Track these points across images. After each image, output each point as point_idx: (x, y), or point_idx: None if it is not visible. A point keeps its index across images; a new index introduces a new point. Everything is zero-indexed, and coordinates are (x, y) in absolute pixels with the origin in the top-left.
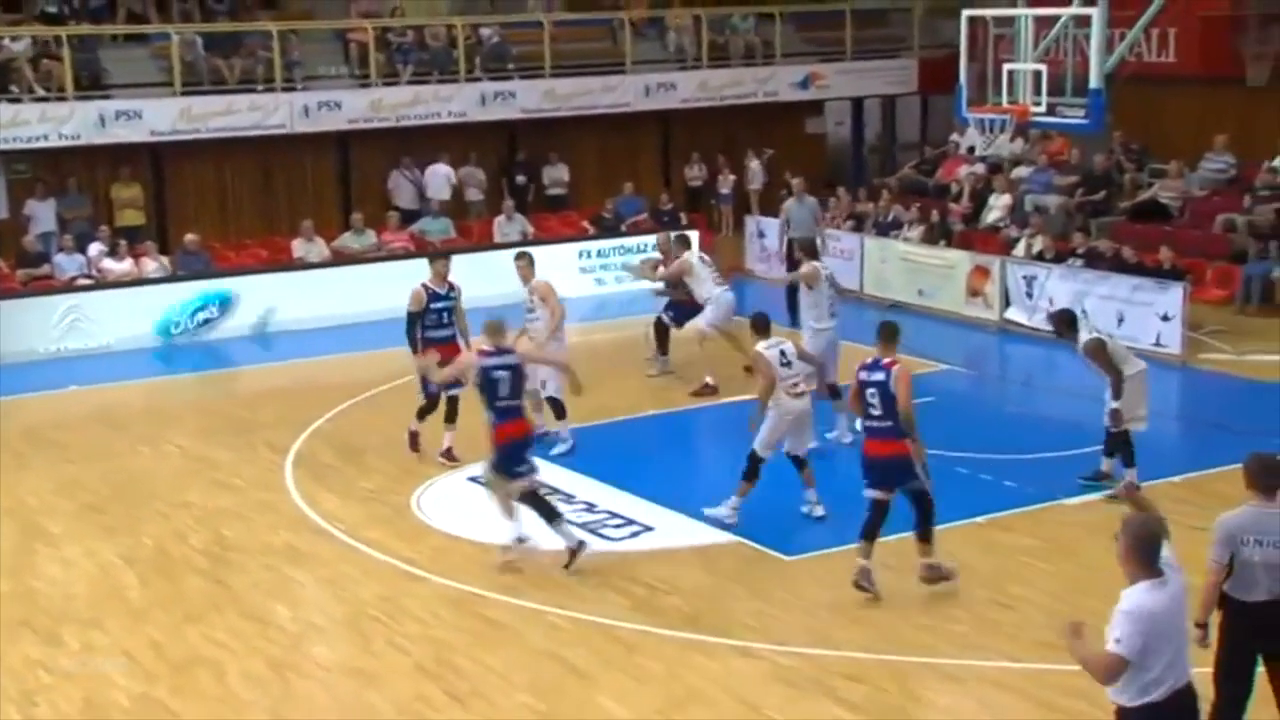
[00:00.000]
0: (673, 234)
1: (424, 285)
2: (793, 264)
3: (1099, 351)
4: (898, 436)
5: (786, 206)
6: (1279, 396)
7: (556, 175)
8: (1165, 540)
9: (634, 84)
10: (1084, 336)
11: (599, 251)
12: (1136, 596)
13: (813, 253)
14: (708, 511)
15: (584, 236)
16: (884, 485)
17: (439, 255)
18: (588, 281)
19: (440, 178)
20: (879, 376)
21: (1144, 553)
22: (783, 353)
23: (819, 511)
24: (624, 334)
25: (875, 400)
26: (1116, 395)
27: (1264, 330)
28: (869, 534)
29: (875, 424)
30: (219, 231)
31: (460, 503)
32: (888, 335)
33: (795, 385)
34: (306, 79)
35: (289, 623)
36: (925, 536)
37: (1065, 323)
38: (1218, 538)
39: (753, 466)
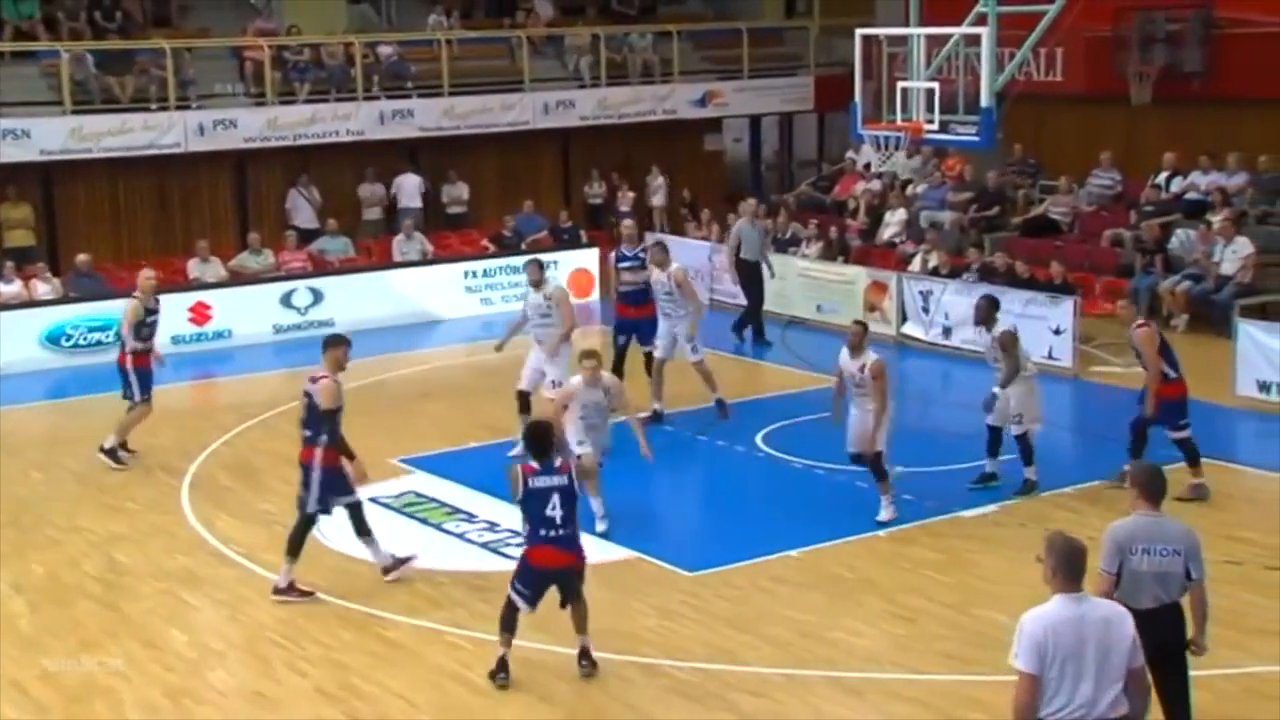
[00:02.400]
0: (654, 240)
1: None
2: (745, 284)
3: (1011, 343)
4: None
5: (739, 228)
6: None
7: (456, 193)
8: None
9: (533, 102)
10: (1000, 327)
11: (485, 271)
12: (1039, 608)
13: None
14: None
15: (483, 255)
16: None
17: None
18: (474, 301)
19: (411, 187)
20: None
21: (1068, 568)
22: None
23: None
24: (520, 352)
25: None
26: (1004, 385)
27: None
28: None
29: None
30: (113, 252)
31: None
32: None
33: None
34: (201, 97)
35: (186, 648)
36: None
37: (991, 308)
38: (1107, 548)
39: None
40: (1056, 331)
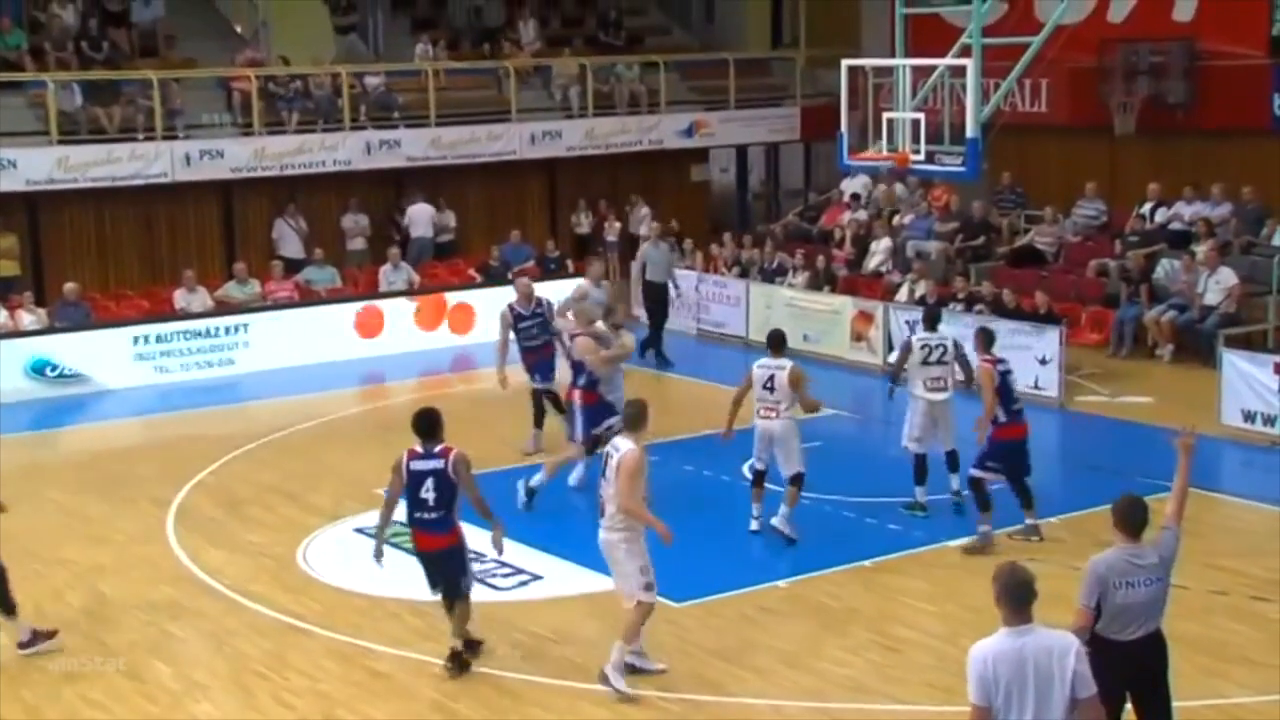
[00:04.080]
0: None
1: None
2: (650, 305)
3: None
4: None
5: (644, 250)
6: (1151, 438)
7: (444, 222)
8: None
9: (519, 132)
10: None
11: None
12: (983, 640)
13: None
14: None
15: (470, 285)
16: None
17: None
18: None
19: (424, 217)
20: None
21: (1011, 599)
22: (772, 377)
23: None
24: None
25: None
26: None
27: (1136, 373)
28: None
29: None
30: (99, 282)
31: (347, 555)
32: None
33: (769, 409)
34: (188, 128)
35: (170, 680)
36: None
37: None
38: (1087, 582)
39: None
40: (1043, 361)
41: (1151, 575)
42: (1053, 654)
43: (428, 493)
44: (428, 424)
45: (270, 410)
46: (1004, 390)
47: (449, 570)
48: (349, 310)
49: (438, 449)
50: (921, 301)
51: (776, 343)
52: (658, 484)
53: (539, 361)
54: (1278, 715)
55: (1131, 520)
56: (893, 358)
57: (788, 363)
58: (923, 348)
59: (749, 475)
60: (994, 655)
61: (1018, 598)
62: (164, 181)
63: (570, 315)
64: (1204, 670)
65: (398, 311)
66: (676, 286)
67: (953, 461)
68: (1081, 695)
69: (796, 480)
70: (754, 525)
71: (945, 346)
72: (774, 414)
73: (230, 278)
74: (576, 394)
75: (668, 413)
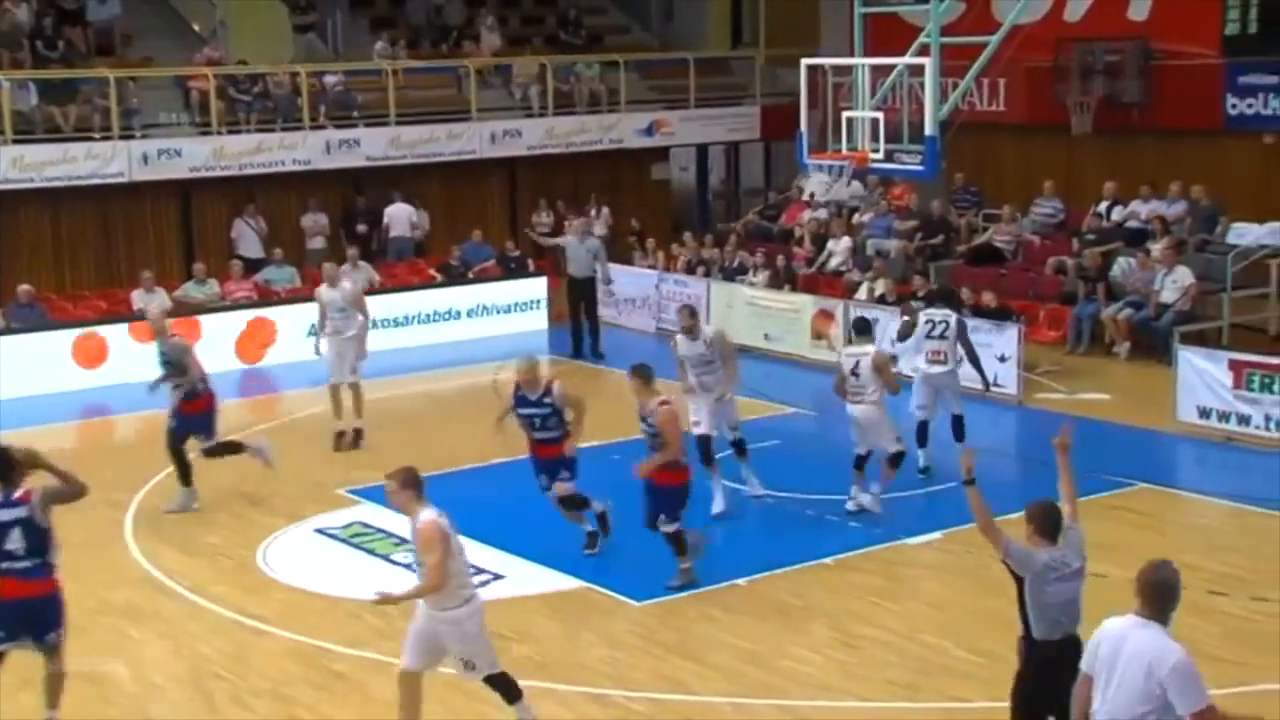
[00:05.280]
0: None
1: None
2: (572, 301)
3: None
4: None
5: (567, 241)
6: (1109, 435)
7: (420, 221)
8: None
9: (479, 131)
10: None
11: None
12: (1114, 618)
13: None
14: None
15: (431, 284)
16: None
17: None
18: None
19: (403, 217)
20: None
21: (1142, 592)
22: (858, 363)
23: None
24: (470, 381)
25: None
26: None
27: (1093, 370)
28: None
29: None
30: (55, 283)
31: (307, 556)
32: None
33: (857, 394)
34: (146, 127)
35: (129, 683)
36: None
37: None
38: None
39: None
40: (1001, 359)
41: (1073, 576)
42: (1149, 657)
43: (14, 544)
44: (2, 467)
45: (229, 411)
46: None
47: (41, 624)
48: (307, 311)
49: (17, 494)
50: (881, 300)
51: (861, 329)
52: (621, 482)
53: (548, 460)
54: (1235, 709)
55: (1051, 523)
56: (895, 333)
57: (871, 348)
58: (926, 322)
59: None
60: (1107, 632)
61: (1148, 592)
62: (121, 181)
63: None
64: None
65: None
66: (608, 281)
67: (958, 427)
68: (1181, 712)
69: (895, 460)
70: (851, 505)
71: (948, 323)
72: (860, 398)
73: (189, 278)
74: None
75: (626, 411)
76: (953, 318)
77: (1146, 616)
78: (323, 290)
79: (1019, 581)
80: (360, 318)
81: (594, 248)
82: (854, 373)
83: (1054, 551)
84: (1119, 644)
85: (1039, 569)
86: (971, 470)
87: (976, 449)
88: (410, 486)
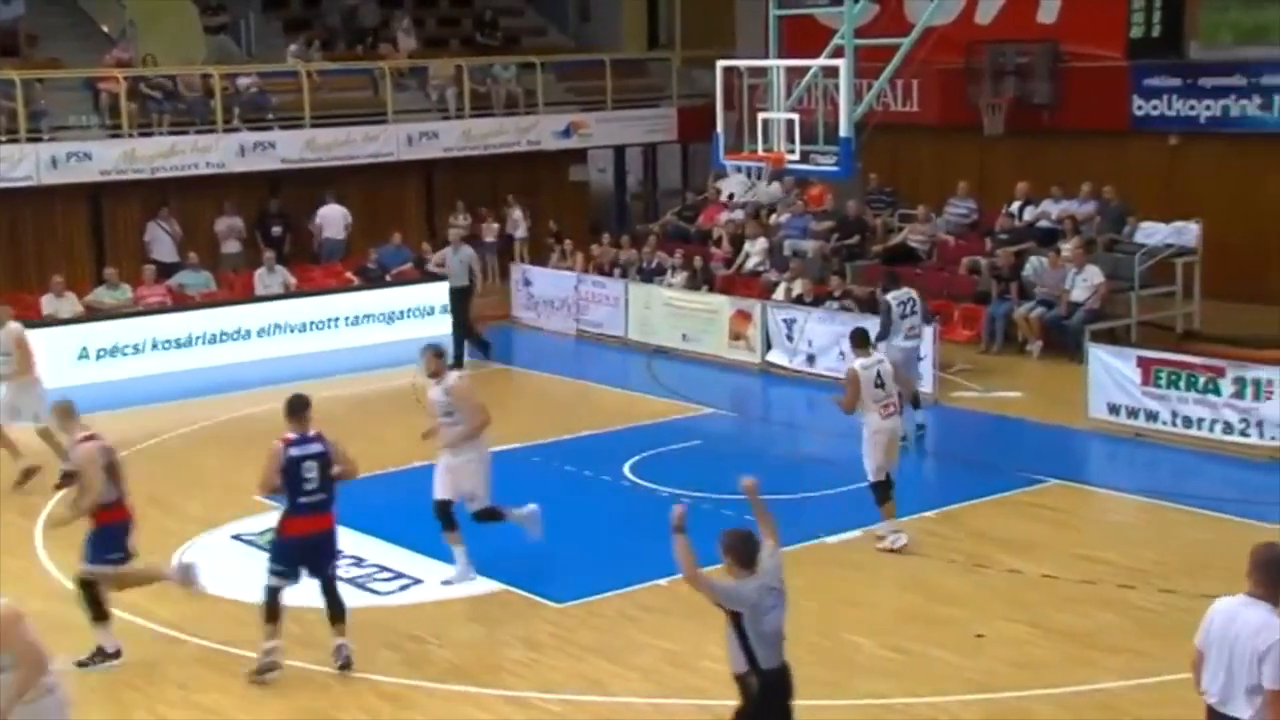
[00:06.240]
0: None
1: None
2: (452, 309)
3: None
4: (330, 509)
5: (444, 254)
6: (1022, 432)
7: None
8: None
9: (396, 134)
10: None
11: None
12: (1225, 597)
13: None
14: (881, 546)
15: (348, 288)
16: (318, 570)
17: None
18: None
19: (336, 218)
20: (317, 449)
21: (1253, 570)
22: (879, 374)
23: (902, 541)
24: (388, 384)
25: (313, 474)
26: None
27: (1006, 368)
28: (273, 615)
29: (311, 499)
30: None
31: (221, 562)
32: (303, 407)
33: (887, 406)
34: (54, 129)
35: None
36: (340, 617)
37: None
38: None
39: (883, 490)
40: (917, 358)
41: (780, 600)
42: (1254, 633)
43: (310, 472)
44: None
45: (142, 417)
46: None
47: (328, 554)
48: (221, 315)
49: (314, 433)
50: (799, 300)
51: (862, 341)
52: (540, 484)
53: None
54: (1145, 700)
55: (748, 552)
56: (875, 324)
57: (883, 355)
58: (899, 304)
59: (883, 479)
60: (1220, 610)
61: (1259, 571)
62: (29, 185)
63: None
64: (1074, 659)
65: (274, 315)
66: (476, 285)
67: (915, 400)
68: (1268, 685)
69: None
70: (887, 543)
71: (914, 299)
72: (893, 408)
73: (100, 282)
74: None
75: (545, 413)
76: (914, 292)
77: (1257, 595)
78: None
79: (734, 617)
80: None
81: (467, 257)
82: (879, 384)
83: (757, 580)
84: (1229, 622)
85: (752, 600)
86: (682, 519)
87: (759, 480)
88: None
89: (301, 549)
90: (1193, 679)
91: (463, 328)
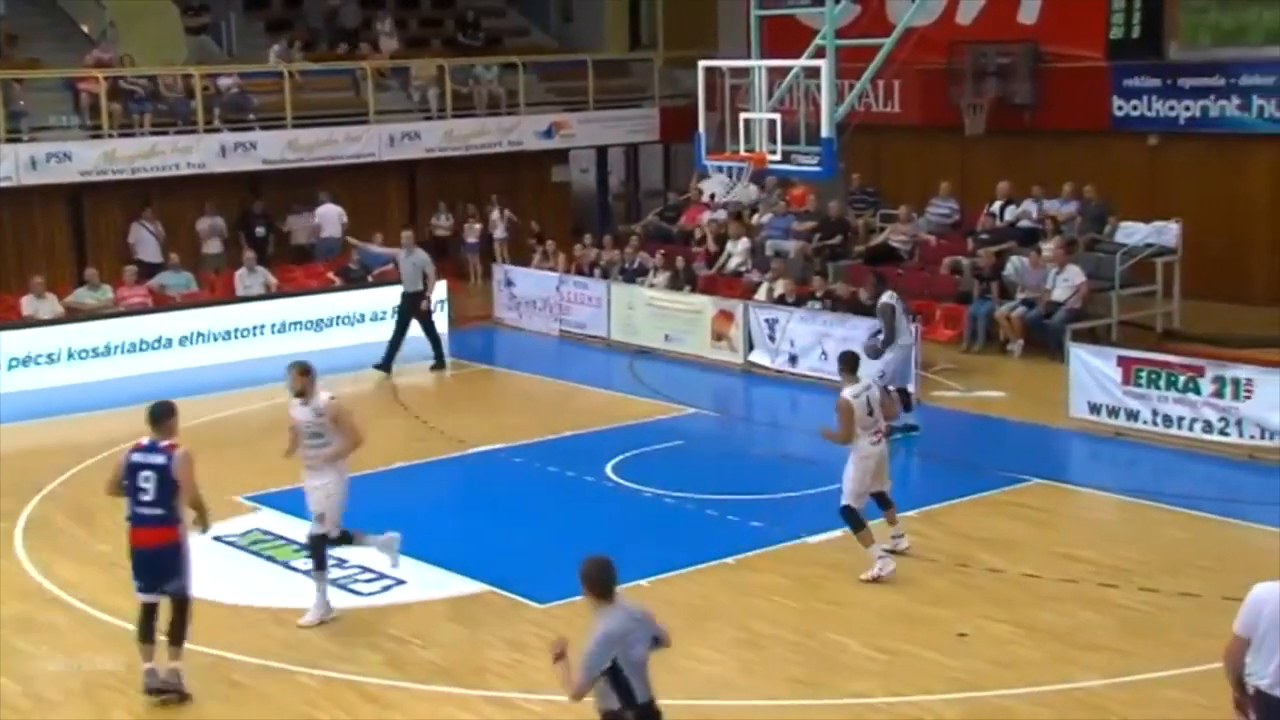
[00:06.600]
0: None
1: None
2: (399, 314)
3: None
4: (172, 524)
5: (395, 255)
6: (1004, 432)
7: (303, 224)
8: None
9: (378, 134)
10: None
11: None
12: (1268, 583)
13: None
14: (865, 576)
15: (330, 288)
16: (154, 585)
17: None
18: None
19: (333, 217)
20: (158, 460)
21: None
22: (868, 400)
23: (904, 544)
24: (367, 385)
25: (150, 485)
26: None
27: (988, 367)
28: (145, 634)
29: (146, 510)
30: None
31: (205, 564)
32: (164, 415)
33: (877, 431)
34: (34, 130)
35: (20, 698)
36: (178, 639)
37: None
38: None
39: (855, 518)
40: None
41: (645, 631)
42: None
43: (146, 483)
44: (164, 413)
45: (123, 418)
46: None
47: (169, 569)
48: (202, 316)
49: (165, 443)
50: (781, 300)
51: (852, 366)
52: (523, 484)
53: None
54: (1127, 698)
55: (604, 582)
56: (874, 335)
57: (870, 381)
58: (903, 306)
59: (857, 506)
60: (1267, 597)
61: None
62: (8, 185)
63: None
64: (1055, 656)
65: (255, 315)
66: (426, 297)
67: (908, 403)
68: None
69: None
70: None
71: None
72: (881, 434)
73: (81, 283)
74: None
75: (527, 413)
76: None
77: (615, 601)
78: None
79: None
80: None
81: (420, 261)
82: (870, 412)
83: (620, 609)
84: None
85: (619, 634)
86: (561, 647)
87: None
88: None
89: (138, 560)
90: (1225, 667)
91: (403, 334)
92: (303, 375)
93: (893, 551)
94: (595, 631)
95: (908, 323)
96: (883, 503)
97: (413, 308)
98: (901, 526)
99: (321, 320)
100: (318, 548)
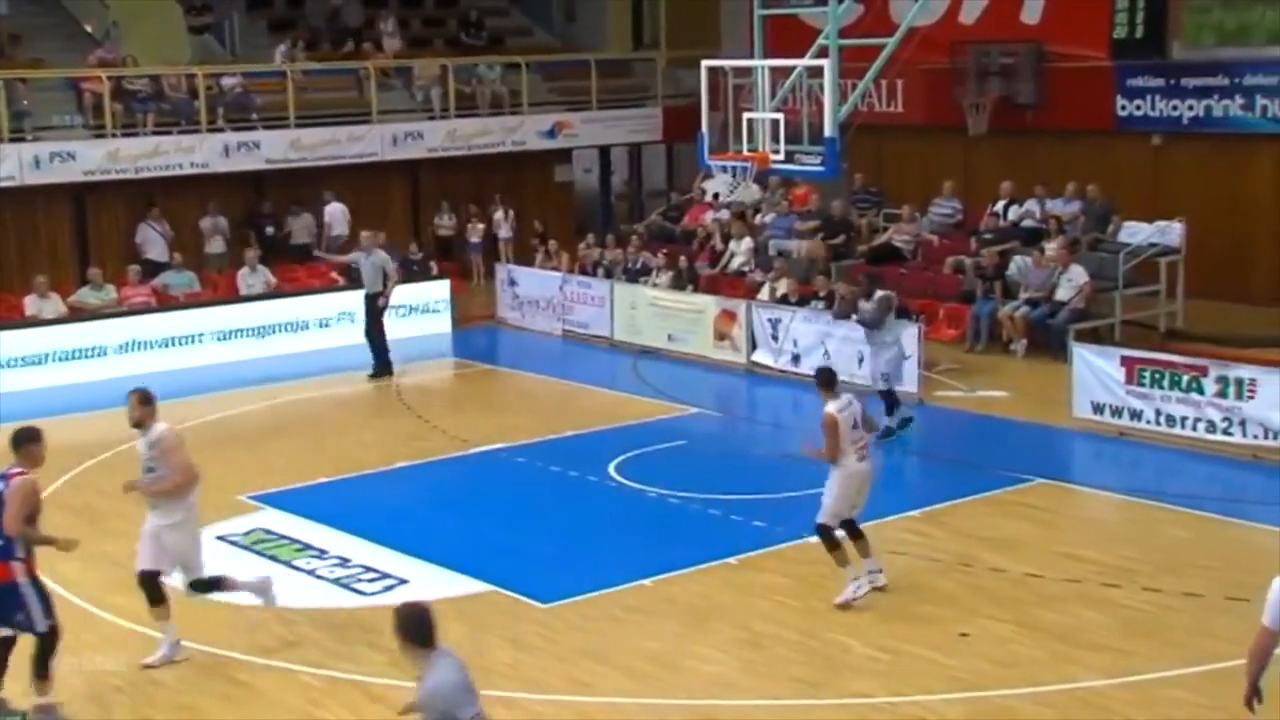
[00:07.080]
0: None
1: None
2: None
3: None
4: (5, 558)
5: (355, 258)
6: (1007, 431)
7: (303, 224)
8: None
9: (381, 133)
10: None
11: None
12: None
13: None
14: (838, 601)
15: (332, 288)
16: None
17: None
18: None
19: (339, 215)
20: None
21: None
22: (853, 415)
23: (882, 581)
24: (372, 385)
25: None
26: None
27: (991, 367)
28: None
29: None
30: None
31: (206, 565)
32: (23, 440)
33: (863, 447)
34: (38, 129)
35: (22, 699)
36: (37, 672)
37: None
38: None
39: (829, 537)
40: (904, 357)
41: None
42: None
43: None
44: (24, 439)
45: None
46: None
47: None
48: (205, 315)
49: (12, 471)
50: (784, 300)
51: (829, 382)
52: (526, 484)
53: None
54: (1129, 698)
55: (425, 629)
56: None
57: (851, 396)
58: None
59: (833, 525)
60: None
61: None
62: (11, 185)
63: None
64: (1058, 656)
65: (258, 315)
66: (385, 296)
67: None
68: None
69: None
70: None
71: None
72: (867, 450)
73: (84, 283)
74: None
75: (530, 413)
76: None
77: (436, 649)
78: None
79: None
80: None
81: (380, 261)
82: (855, 426)
83: (447, 657)
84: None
85: (459, 695)
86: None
87: None
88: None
89: None
90: (1250, 660)
91: (382, 335)
92: (142, 404)
93: (873, 587)
94: (427, 687)
95: (895, 320)
96: (853, 533)
97: (370, 309)
98: (876, 561)
99: (325, 320)
100: (205, 587)
